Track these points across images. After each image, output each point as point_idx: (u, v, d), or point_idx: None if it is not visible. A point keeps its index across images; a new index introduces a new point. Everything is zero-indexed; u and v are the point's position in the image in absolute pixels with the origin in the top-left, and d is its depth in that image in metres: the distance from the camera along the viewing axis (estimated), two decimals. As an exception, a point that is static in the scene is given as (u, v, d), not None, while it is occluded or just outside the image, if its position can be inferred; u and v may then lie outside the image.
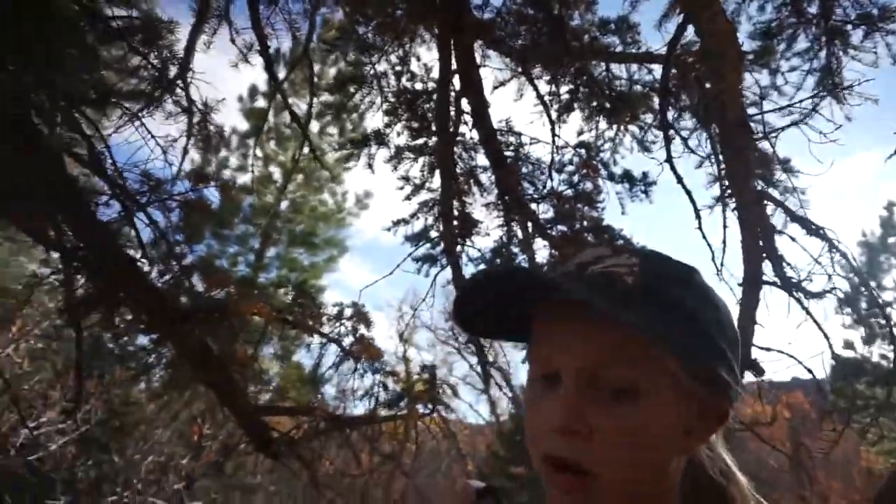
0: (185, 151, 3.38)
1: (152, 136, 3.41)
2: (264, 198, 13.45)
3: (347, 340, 4.20)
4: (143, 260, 3.26)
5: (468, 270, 4.94)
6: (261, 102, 12.24)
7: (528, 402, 0.70)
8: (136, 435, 9.45)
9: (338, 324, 4.10)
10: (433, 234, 4.85)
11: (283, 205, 14.50)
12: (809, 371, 4.08)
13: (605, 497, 0.64)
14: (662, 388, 0.65)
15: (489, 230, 4.66)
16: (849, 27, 3.24)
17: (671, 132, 3.92)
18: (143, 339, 4.52)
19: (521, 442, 15.15)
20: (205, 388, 4.27)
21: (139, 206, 3.24)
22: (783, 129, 3.63)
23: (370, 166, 4.63)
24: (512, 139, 4.40)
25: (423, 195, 4.75)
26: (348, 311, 4.14)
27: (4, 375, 5.79)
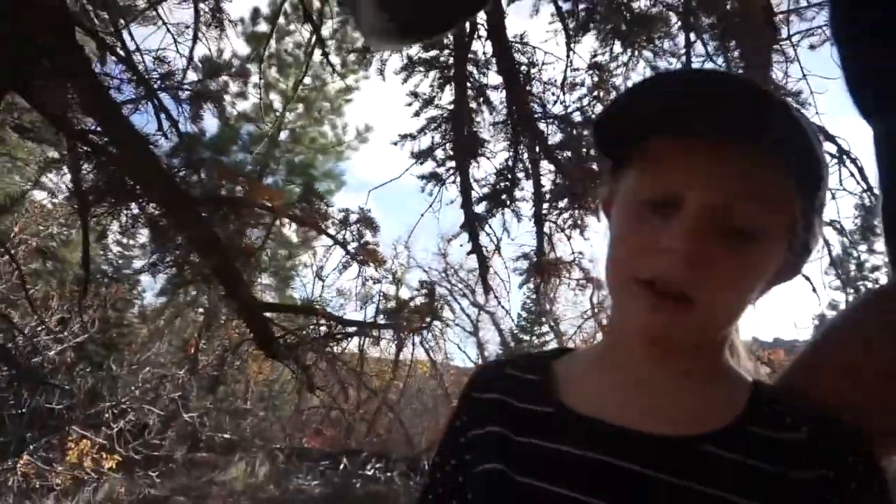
0: (195, 39, 3.33)
1: (164, 23, 3.38)
2: (263, 126, 13.29)
3: (352, 246, 4.24)
4: (155, 146, 3.25)
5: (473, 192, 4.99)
6: (262, 27, 11.97)
7: (630, 223, 0.68)
8: (134, 347, 9.61)
9: (343, 228, 4.14)
10: (439, 152, 4.86)
11: (283, 134, 14.36)
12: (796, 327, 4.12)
13: (697, 330, 0.65)
14: (780, 234, 0.65)
15: (495, 152, 4.67)
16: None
17: (691, 54, 3.88)
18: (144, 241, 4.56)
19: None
20: (208, 288, 4.34)
21: (152, 91, 3.22)
22: (807, 32, 3.52)
23: (381, 73, 4.59)
24: (525, 56, 4.36)
25: (432, 111, 4.73)
26: (354, 217, 4.18)
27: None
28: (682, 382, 0.69)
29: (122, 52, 3.18)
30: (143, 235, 4.46)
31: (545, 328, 17.49)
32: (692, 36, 3.93)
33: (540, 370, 0.79)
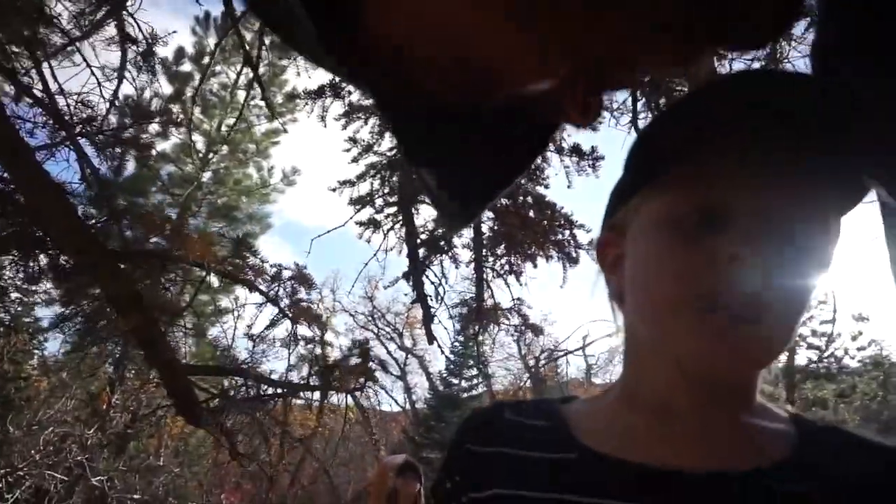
0: (120, 80, 3.10)
1: (88, 66, 3.13)
2: (186, 167, 12.83)
3: (284, 303, 4.01)
4: (71, 195, 2.96)
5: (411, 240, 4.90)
6: (186, 66, 11.65)
7: (672, 238, 0.60)
8: (35, 405, 8.76)
9: (276, 284, 3.91)
10: (377, 199, 4.76)
11: (206, 176, 13.92)
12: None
13: (765, 353, 0.59)
14: (822, 242, 0.60)
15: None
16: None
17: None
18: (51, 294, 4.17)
19: (436, 427, 15.19)
20: (120, 346, 3.97)
21: (72, 136, 2.95)
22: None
23: (322, 119, 4.46)
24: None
25: (371, 157, 4.64)
26: (287, 273, 3.97)
27: None
28: (725, 413, 0.62)
29: (40, 93, 2.91)
30: (49, 291, 4.07)
31: (474, 371, 17.46)
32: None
33: (548, 415, 0.69)
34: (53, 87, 2.88)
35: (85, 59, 3.03)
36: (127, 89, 3.59)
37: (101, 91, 3.08)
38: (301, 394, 4.80)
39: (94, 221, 3.18)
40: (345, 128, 4.58)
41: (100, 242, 3.01)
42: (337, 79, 4.11)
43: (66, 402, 8.76)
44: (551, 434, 0.66)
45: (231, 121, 13.17)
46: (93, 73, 3.05)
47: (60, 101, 2.96)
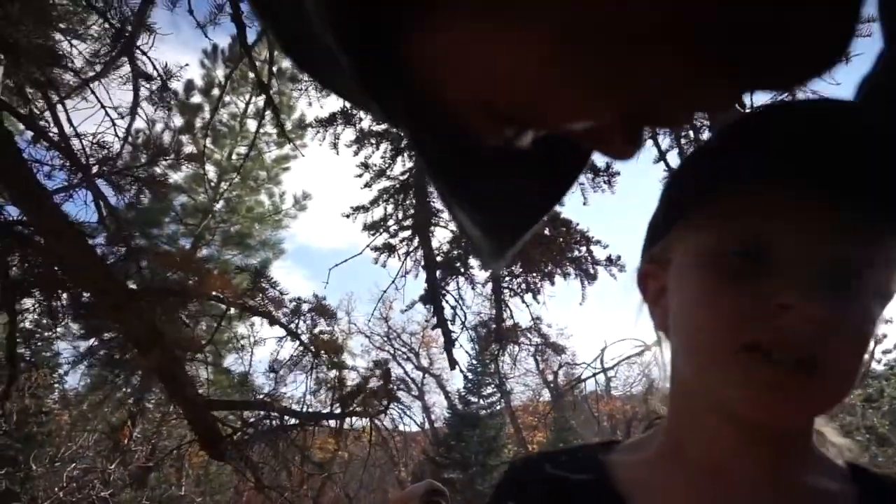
0: (133, 117, 3.11)
1: (102, 106, 3.15)
2: (198, 197, 12.96)
3: (306, 337, 3.98)
4: (89, 236, 2.97)
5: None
6: (196, 98, 11.81)
7: (717, 279, 0.56)
8: (57, 441, 8.77)
9: (295, 318, 3.89)
10: (391, 223, 4.75)
11: (218, 205, 14.06)
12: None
13: (824, 398, 0.55)
14: (877, 283, 0.56)
15: (449, 220, 4.60)
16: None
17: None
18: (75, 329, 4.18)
19: (456, 446, 15.08)
20: (144, 381, 3.96)
21: (89, 178, 2.96)
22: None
23: (335, 146, 4.47)
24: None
25: (384, 182, 4.64)
26: (306, 306, 3.94)
27: None
28: (778, 472, 0.58)
29: (55, 136, 2.93)
30: (72, 327, 4.07)
31: (492, 388, 17.34)
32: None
33: (594, 468, 0.65)
34: (68, 129, 2.90)
35: (98, 100, 3.05)
36: (139, 124, 3.63)
37: (115, 130, 3.10)
38: (327, 424, 4.76)
39: (112, 260, 3.18)
40: (356, 154, 4.59)
41: (119, 281, 3.01)
42: (348, 106, 4.14)
43: (88, 436, 8.78)
44: (596, 493, 0.62)
45: (242, 149, 13.32)
46: (107, 114, 3.07)
47: (75, 142, 2.98)
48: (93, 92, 3.13)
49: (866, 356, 0.56)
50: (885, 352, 18.67)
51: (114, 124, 3.11)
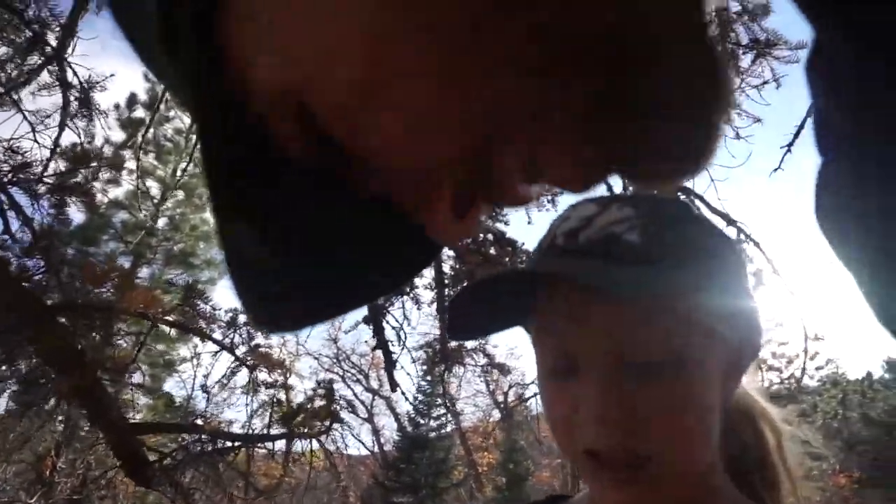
0: (61, 128, 2.95)
1: (20, 110, 2.97)
2: (138, 214, 12.55)
3: (242, 350, 3.82)
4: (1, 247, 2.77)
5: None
6: (139, 113, 11.46)
7: (549, 394, 0.62)
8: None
9: (232, 330, 3.73)
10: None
11: (160, 222, 13.64)
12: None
13: (663, 484, 0.58)
14: (698, 346, 0.58)
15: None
16: (740, 51, 3.53)
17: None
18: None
19: (406, 469, 14.89)
20: (66, 406, 3.72)
21: (1, 185, 2.77)
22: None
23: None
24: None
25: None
26: (243, 318, 3.78)
27: None
28: None
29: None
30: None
31: (441, 410, 17.23)
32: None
33: None
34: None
35: (18, 106, 2.87)
36: (70, 137, 3.44)
37: (34, 137, 2.92)
38: (265, 447, 4.58)
39: (29, 274, 2.98)
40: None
41: (33, 296, 2.81)
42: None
43: (8, 468, 8.22)
44: None
45: (187, 166, 12.98)
46: (25, 118, 2.89)
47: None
48: (11, 98, 2.95)
49: (704, 432, 0.59)
50: (817, 368, 19.48)
51: (34, 130, 2.93)
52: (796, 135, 3.43)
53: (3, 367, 3.59)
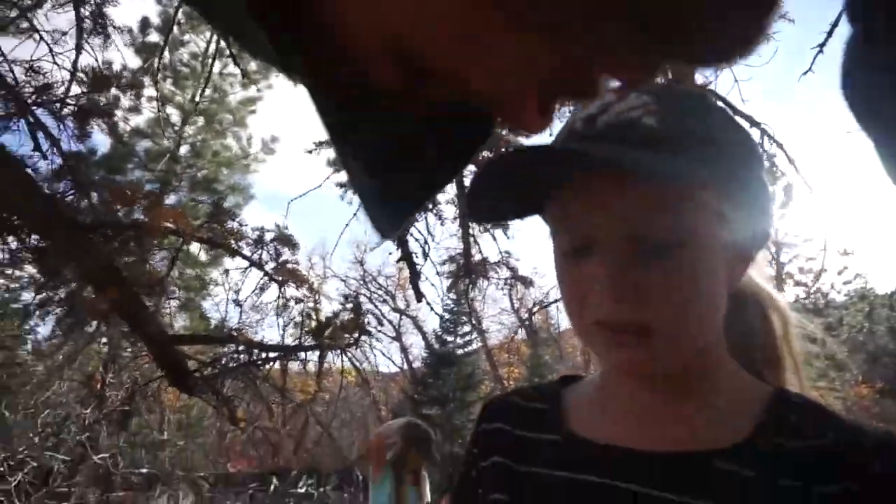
0: (79, 51, 2.94)
1: (35, 30, 2.97)
2: (161, 141, 12.56)
3: (270, 266, 3.93)
4: (33, 169, 2.84)
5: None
6: (154, 37, 11.27)
7: (564, 273, 0.66)
8: (30, 388, 8.74)
9: (259, 248, 3.83)
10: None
11: (183, 149, 13.68)
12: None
13: (665, 352, 0.62)
14: (708, 231, 0.62)
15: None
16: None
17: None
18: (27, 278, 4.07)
19: (434, 384, 15.41)
20: (107, 324, 3.91)
21: (24, 106, 2.80)
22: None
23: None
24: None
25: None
26: (269, 234, 3.88)
27: None
28: (680, 401, 0.67)
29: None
30: (28, 272, 3.97)
31: (468, 328, 17.61)
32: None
33: (548, 399, 0.78)
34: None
35: (34, 27, 2.86)
36: (88, 61, 3.43)
37: (53, 58, 2.93)
38: (298, 358, 4.79)
39: (60, 195, 3.06)
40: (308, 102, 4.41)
41: (67, 217, 2.91)
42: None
43: (62, 384, 8.75)
44: (545, 416, 0.75)
45: (206, 91, 12.85)
46: (42, 39, 2.88)
47: (10, 70, 2.81)
48: (28, 20, 2.93)
49: (707, 310, 0.63)
50: (845, 283, 19.32)
51: (51, 52, 2.93)
52: (829, 34, 3.25)
53: (47, 291, 3.76)
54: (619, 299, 0.59)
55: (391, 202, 0.47)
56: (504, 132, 4.43)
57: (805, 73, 3.48)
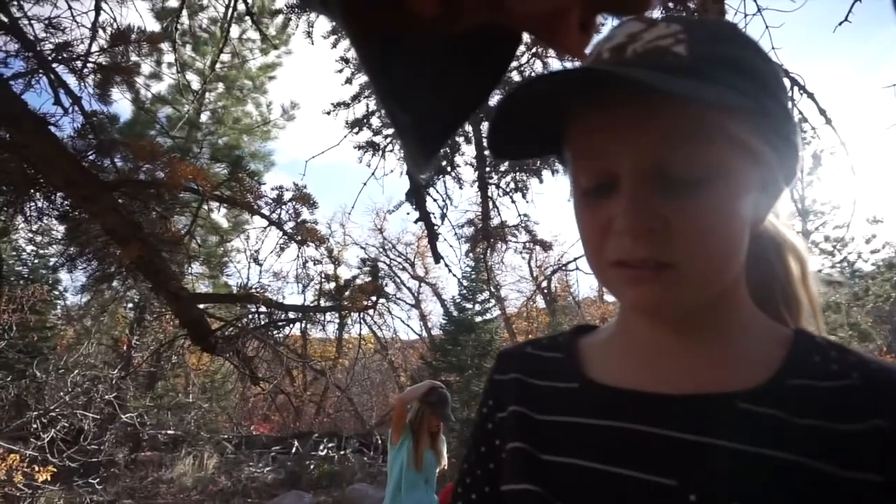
0: (98, 11, 2.94)
1: (56, -11, 2.96)
2: (181, 108, 12.60)
3: (289, 226, 3.95)
4: (56, 126, 2.86)
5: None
6: (173, 2, 11.22)
7: (583, 213, 0.64)
8: (59, 350, 8.99)
9: (278, 207, 3.84)
10: (375, 120, 4.63)
11: (203, 117, 13.72)
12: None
13: (687, 291, 0.61)
14: (734, 166, 0.59)
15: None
16: None
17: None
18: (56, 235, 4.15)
19: (452, 351, 15.48)
20: (134, 280, 3.97)
21: (45, 63, 2.82)
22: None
23: (310, 36, 4.26)
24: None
25: (365, 76, 4.47)
26: (288, 194, 3.89)
27: None
28: (701, 342, 0.66)
29: (4, 19, 2.75)
30: (59, 231, 4.05)
31: (486, 294, 17.63)
32: None
33: (564, 348, 0.78)
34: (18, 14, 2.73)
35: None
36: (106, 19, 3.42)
37: (72, 14, 2.93)
38: (318, 322, 4.84)
39: (83, 154, 3.09)
40: (334, 46, 4.39)
41: (90, 174, 2.94)
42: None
43: (90, 346, 8.98)
44: (562, 366, 0.75)
45: (225, 57, 12.82)
46: (61, -2, 2.88)
47: (31, 27, 2.82)
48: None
49: (731, 249, 0.61)
50: (873, 251, 18.94)
51: (70, 8, 2.93)
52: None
53: (74, 246, 3.83)
54: (641, 236, 0.58)
55: (424, 129, 0.47)
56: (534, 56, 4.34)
57: (840, 23, 3.34)
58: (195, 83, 13.49)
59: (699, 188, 0.58)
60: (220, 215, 7.48)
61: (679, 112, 0.57)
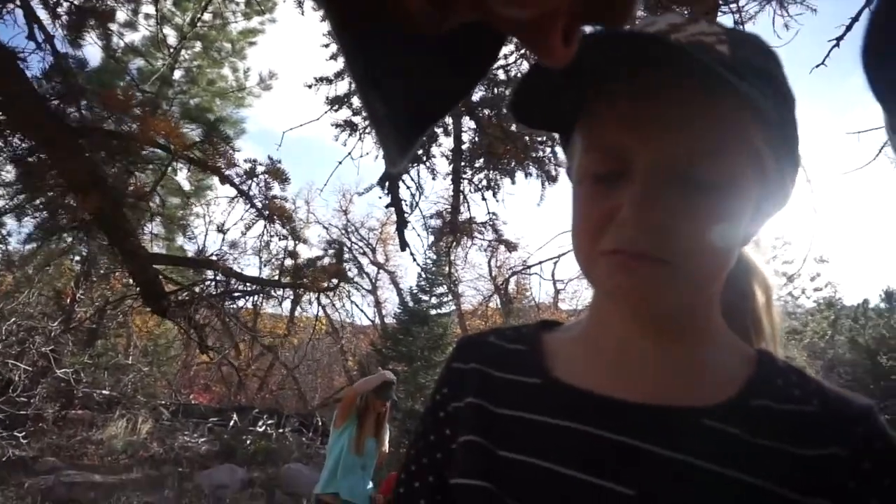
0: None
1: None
2: (154, 62, 12.20)
3: (258, 200, 3.86)
4: (24, 61, 2.72)
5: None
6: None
7: (588, 196, 0.62)
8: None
9: (249, 179, 3.74)
10: (356, 99, 4.56)
11: (177, 74, 13.33)
12: None
13: (674, 290, 0.60)
14: (747, 178, 0.60)
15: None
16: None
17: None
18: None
19: (403, 340, 15.46)
20: (86, 233, 3.81)
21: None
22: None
23: (300, 5, 4.17)
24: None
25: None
26: (261, 167, 3.79)
27: None
28: (672, 351, 0.65)
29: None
30: (8, 172, 3.86)
31: (443, 288, 17.66)
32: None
33: (527, 341, 0.75)
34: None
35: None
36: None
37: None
38: (275, 297, 4.76)
39: (50, 97, 2.95)
40: (324, 20, 4.30)
41: (56, 116, 2.81)
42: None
43: (30, 296, 8.64)
44: (525, 359, 0.73)
45: (206, 17, 12.47)
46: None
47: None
48: None
49: (724, 259, 0.61)
50: (816, 289, 19.72)
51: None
52: (849, 27, 3.19)
53: (24, 194, 3.66)
54: (645, 230, 0.57)
55: (400, 122, 0.45)
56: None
57: (817, 66, 3.44)
58: (172, 38, 13.07)
59: (713, 193, 0.58)
60: (183, 177, 7.27)
61: (714, 115, 0.57)
